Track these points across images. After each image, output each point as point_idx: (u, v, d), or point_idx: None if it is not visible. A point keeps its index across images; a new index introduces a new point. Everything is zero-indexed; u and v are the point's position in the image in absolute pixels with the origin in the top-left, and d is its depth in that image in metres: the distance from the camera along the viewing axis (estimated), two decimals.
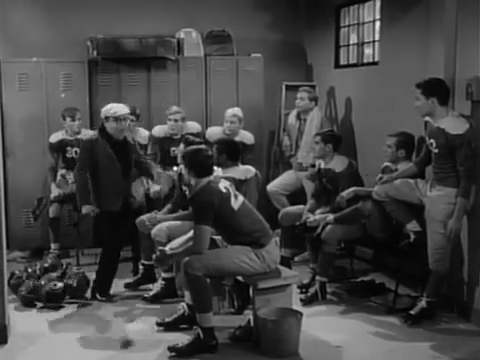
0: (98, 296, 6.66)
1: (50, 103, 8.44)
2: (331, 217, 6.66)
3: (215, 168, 5.81)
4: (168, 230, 6.41)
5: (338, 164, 6.86)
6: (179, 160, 5.99)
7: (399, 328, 5.94)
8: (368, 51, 8.61)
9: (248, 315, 5.84)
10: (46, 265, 6.97)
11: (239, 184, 6.32)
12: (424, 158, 6.22)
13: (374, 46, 8.40)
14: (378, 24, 8.18)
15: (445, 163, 5.85)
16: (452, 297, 6.27)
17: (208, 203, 5.39)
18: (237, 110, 8.11)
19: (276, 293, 5.59)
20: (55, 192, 7.96)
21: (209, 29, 9.03)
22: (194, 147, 5.89)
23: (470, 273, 6.09)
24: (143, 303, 6.59)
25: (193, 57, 8.86)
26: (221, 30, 9.04)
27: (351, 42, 8.99)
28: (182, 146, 6.78)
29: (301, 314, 5.45)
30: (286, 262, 6.73)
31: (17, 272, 6.78)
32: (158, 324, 5.94)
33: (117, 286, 6.89)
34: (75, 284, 6.63)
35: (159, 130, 8.07)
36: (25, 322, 6.11)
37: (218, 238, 5.79)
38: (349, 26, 9.04)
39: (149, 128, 8.21)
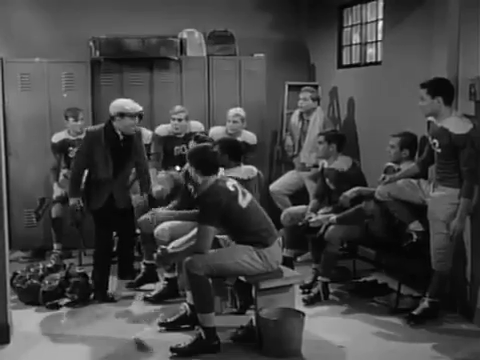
0: (97, 297, 6.66)
1: (52, 103, 8.44)
2: (334, 217, 6.65)
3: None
4: (171, 230, 6.39)
5: (342, 164, 6.85)
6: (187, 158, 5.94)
7: (402, 328, 5.93)
8: (371, 51, 8.59)
9: (250, 315, 5.84)
10: (49, 265, 6.96)
11: (241, 184, 6.33)
12: (427, 158, 6.21)
13: (377, 46, 8.38)
14: (381, 24, 8.17)
15: (448, 163, 5.84)
16: (455, 297, 6.26)
17: (215, 203, 5.37)
18: (239, 110, 8.11)
19: (278, 293, 5.58)
20: (57, 192, 7.96)
21: (212, 29, 9.02)
22: (200, 145, 5.88)
23: (473, 273, 6.08)
24: (145, 303, 6.59)
25: (196, 57, 8.85)
26: (224, 30, 9.04)
27: (354, 42, 8.98)
28: (192, 143, 6.78)
29: (303, 314, 5.44)
30: (289, 262, 6.73)
31: (19, 272, 6.77)
32: (160, 324, 5.93)
33: (119, 286, 6.91)
34: (78, 284, 6.62)
35: (163, 129, 8.06)
36: (27, 322, 6.11)
37: (221, 237, 5.79)
38: (352, 26, 9.03)
39: (152, 128, 8.21)
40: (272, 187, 8.24)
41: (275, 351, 5.29)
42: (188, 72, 8.81)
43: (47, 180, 8.24)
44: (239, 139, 7.66)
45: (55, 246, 8.00)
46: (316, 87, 8.88)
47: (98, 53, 8.50)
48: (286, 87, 9.29)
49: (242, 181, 6.41)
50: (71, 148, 8.01)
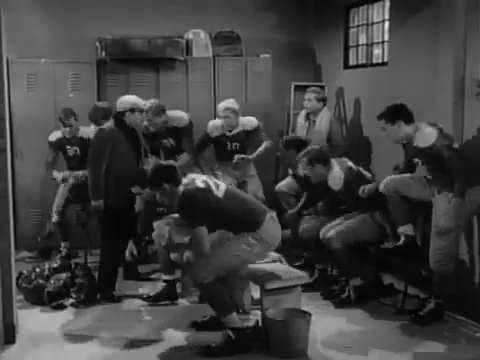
0: (103, 297, 6.66)
1: (58, 104, 8.42)
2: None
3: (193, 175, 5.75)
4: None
5: (334, 182, 6.73)
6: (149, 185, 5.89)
7: (408, 329, 5.91)
8: (377, 51, 8.59)
9: (257, 316, 5.82)
10: (55, 265, 6.95)
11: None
12: (405, 171, 6.43)
13: (383, 46, 8.37)
14: (387, 24, 8.16)
15: (437, 172, 5.93)
16: (462, 299, 6.23)
17: (193, 204, 5.37)
18: (229, 103, 7.89)
19: (284, 294, 5.58)
20: (59, 176, 7.92)
21: (218, 30, 9.03)
22: (152, 168, 5.80)
23: None
24: (147, 303, 6.58)
25: (202, 58, 8.86)
26: (230, 31, 9.04)
27: (360, 42, 8.98)
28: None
29: (310, 314, 5.43)
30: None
31: (25, 272, 6.77)
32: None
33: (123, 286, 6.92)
34: (83, 285, 6.62)
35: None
36: (32, 322, 6.11)
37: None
38: (358, 26, 9.02)
39: None
40: (278, 187, 8.21)
41: (282, 351, 5.28)
42: (194, 72, 8.82)
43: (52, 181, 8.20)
44: (239, 129, 7.82)
45: (62, 244, 8.02)
46: (322, 87, 8.87)
47: (104, 53, 8.52)
48: (292, 87, 9.28)
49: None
50: (69, 147, 7.97)
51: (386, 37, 8.24)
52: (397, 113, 5.98)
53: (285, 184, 8.24)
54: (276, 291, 5.56)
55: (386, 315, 6.26)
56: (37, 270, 6.80)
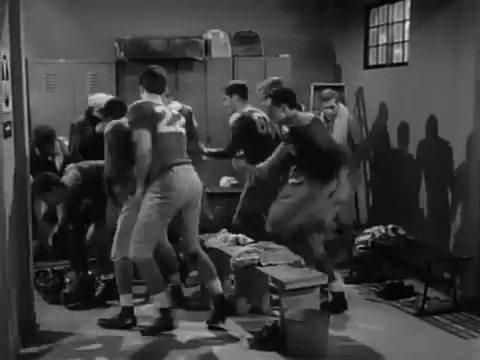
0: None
1: (77, 104, 8.44)
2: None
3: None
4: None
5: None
6: None
7: (428, 330, 5.89)
8: (398, 51, 8.54)
9: (275, 317, 5.79)
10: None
11: None
12: None
13: (404, 46, 8.32)
14: (408, 24, 8.11)
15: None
16: None
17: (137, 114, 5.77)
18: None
19: (303, 294, 5.53)
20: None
21: (237, 30, 9.04)
22: None
23: None
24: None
25: (221, 58, 8.87)
26: (249, 31, 9.05)
27: (380, 42, 8.94)
28: None
29: (328, 315, 5.40)
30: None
31: (43, 272, 6.78)
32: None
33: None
34: (100, 287, 6.61)
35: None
36: (51, 320, 6.11)
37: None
38: (378, 26, 8.98)
39: None
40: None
41: (300, 352, 5.24)
42: (213, 73, 8.82)
43: None
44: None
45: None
46: (342, 88, 8.82)
47: (123, 54, 8.55)
48: (312, 88, 9.24)
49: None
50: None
51: (406, 37, 8.19)
52: (283, 97, 6.40)
53: None
54: (295, 292, 5.52)
55: (406, 316, 6.23)
56: (55, 269, 6.83)
